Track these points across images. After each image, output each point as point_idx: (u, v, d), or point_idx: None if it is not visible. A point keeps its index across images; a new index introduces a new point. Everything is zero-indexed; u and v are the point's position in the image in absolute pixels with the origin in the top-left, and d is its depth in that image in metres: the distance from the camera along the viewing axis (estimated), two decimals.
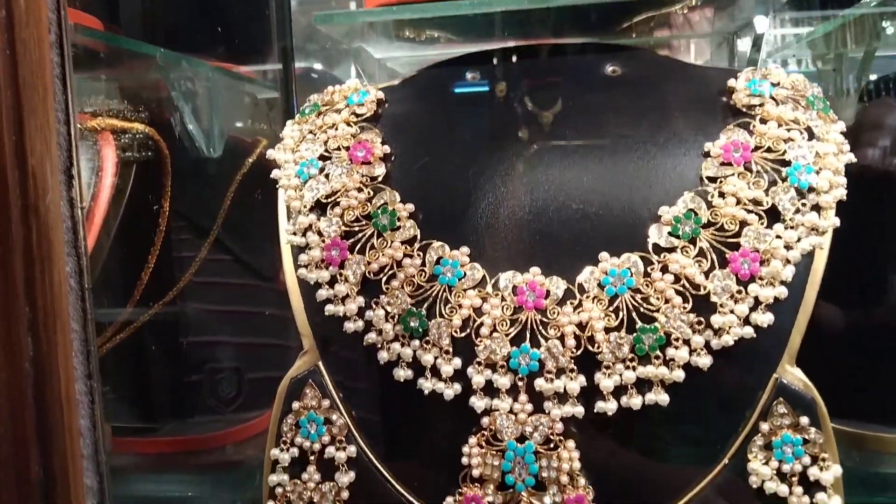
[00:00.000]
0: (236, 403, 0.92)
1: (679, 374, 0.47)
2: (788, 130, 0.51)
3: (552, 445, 0.48)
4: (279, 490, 0.51)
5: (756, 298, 0.47)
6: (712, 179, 0.50)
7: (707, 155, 0.51)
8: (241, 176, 0.87)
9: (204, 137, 0.80)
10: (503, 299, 0.49)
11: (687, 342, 0.47)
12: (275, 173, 0.56)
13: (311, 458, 0.51)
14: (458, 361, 0.49)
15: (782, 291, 0.47)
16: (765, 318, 0.47)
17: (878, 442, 0.69)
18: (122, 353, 0.85)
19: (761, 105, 0.52)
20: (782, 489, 0.47)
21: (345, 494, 0.50)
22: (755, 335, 0.47)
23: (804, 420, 0.47)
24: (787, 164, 0.50)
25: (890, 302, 0.69)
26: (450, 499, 0.49)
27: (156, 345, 0.89)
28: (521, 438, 0.48)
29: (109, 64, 0.74)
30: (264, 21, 0.88)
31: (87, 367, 0.40)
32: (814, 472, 0.47)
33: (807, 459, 0.47)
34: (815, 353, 0.50)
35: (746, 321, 0.47)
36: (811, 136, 0.51)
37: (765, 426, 0.47)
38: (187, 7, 0.87)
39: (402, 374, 0.50)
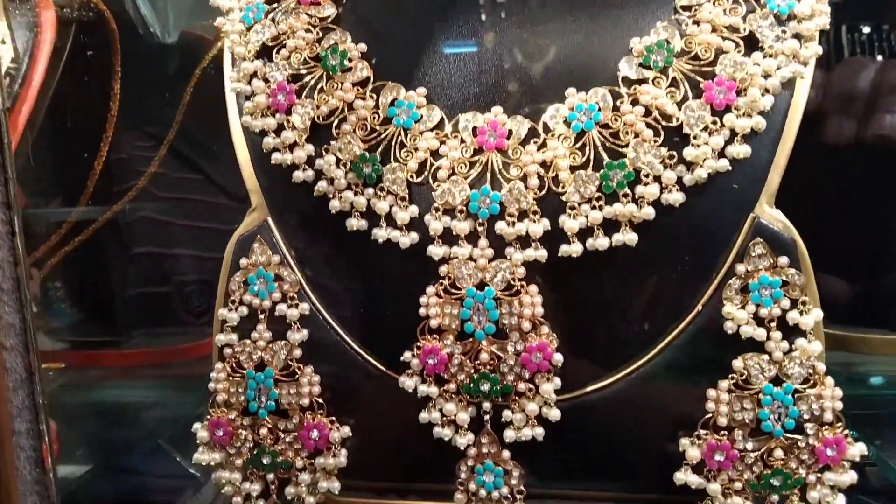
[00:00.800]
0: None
1: (649, 212, 0.44)
2: None
3: (513, 291, 0.45)
4: (228, 351, 0.48)
5: (732, 130, 0.44)
6: (687, 8, 0.46)
7: None
8: (200, 70, 0.82)
9: (158, 23, 0.76)
10: (462, 141, 0.46)
11: (658, 178, 0.44)
12: (218, 20, 0.52)
13: (262, 316, 0.48)
14: (414, 209, 0.46)
15: (760, 122, 0.44)
16: (741, 150, 0.44)
17: (863, 343, 0.67)
18: (79, 259, 0.81)
19: None
20: (759, 333, 0.44)
21: (297, 353, 0.47)
22: (731, 169, 0.44)
23: (783, 260, 0.44)
24: None
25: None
26: (408, 353, 0.46)
27: (115, 252, 0.86)
28: (481, 285, 0.45)
29: None
30: None
31: (6, 196, 0.37)
32: (793, 317, 0.44)
33: (786, 303, 0.44)
34: None
35: (721, 154, 0.44)
36: None
37: (741, 268, 0.44)
38: None
39: (356, 223, 0.46)
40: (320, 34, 0.49)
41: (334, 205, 0.47)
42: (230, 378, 0.48)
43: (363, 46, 0.48)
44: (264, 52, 0.50)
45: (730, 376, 0.44)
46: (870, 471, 0.62)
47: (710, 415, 0.45)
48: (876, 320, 0.67)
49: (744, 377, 0.44)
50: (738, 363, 0.44)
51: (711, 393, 0.45)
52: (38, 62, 0.55)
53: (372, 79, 0.48)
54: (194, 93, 0.82)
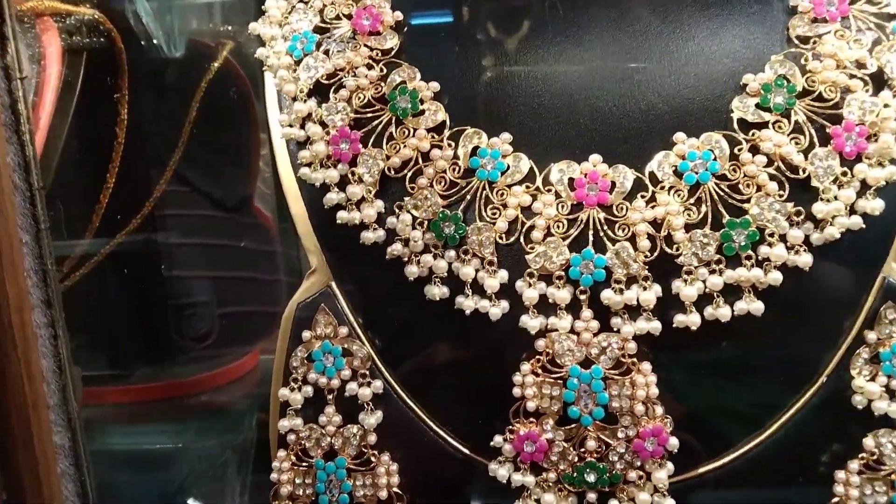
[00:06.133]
0: (209, 340, 0.84)
1: (776, 277, 0.39)
2: None
3: (624, 369, 0.40)
4: (292, 437, 0.43)
5: (863, 181, 0.39)
6: (804, 40, 0.41)
7: (794, 11, 0.42)
8: (205, 83, 0.76)
9: (164, 35, 0.68)
10: (557, 195, 0.41)
11: (783, 237, 0.39)
12: (259, 52, 0.45)
13: (329, 397, 0.42)
14: (504, 274, 0.41)
15: (894, 172, 0.39)
16: (875, 205, 0.39)
17: None
18: (82, 291, 0.75)
19: None
20: (894, 409, 0.40)
21: (372, 438, 0.42)
22: (864, 226, 0.39)
23: None
24: (893, 17, 0.41)
25: None
26: (499, 438, 0.41)
27: (119, 281, 0.80)
28: (586, 363, 0.40)
29: None
30: None
31: (46, 293, 0.30)
32: None
33: None
34: None
35: (852, 210, 0.39)
36: None
37: (871, 335, 0.40)
38: None
39: (437, 291, 0.41)
40: (383, 70, 0.43)
41: (411, 270, 0.41)
42: (295, 468, 0.43)
43: (435, 85, 0.42)
44: (317, 90, 0.44)
45: (860, 455, 0.40)
46: None
47: (837, 499, 0.40)
48: None
49: (875, 457, 0.40)
50: (868, 441, 0.40)
51: (840, 475, 0.40)
52: (44, 99, 0.48)
53: (448, 123, 0.42)
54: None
